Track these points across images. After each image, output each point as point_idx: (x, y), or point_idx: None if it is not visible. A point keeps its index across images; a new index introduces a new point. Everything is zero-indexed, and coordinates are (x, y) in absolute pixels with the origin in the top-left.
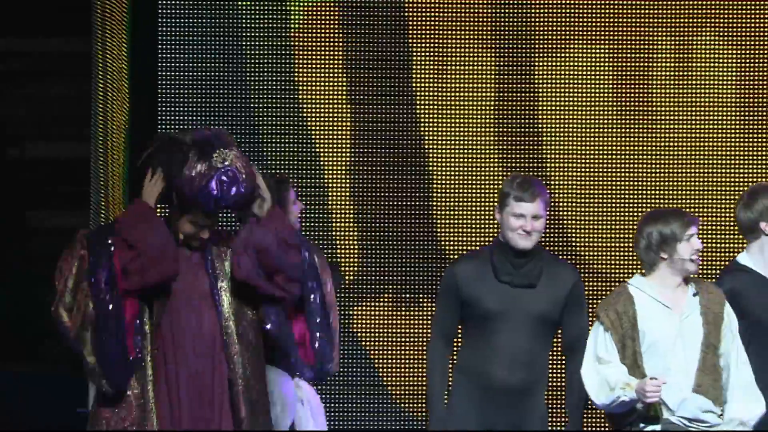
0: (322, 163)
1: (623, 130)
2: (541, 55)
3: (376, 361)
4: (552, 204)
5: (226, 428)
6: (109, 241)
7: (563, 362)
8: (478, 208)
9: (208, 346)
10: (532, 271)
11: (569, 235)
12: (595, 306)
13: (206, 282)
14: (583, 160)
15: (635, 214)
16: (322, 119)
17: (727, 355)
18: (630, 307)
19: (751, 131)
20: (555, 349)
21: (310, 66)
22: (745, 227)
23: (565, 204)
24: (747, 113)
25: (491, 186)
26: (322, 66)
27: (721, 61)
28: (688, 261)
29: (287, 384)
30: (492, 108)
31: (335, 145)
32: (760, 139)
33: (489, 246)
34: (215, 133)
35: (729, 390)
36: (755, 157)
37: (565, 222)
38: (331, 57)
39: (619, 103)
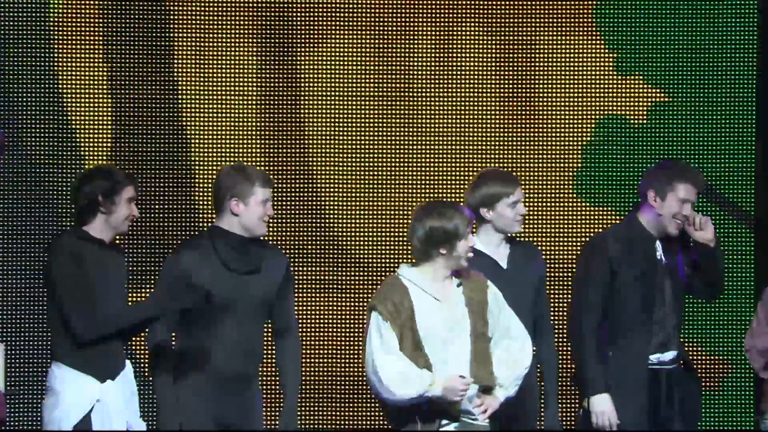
0: (82, 154)
1: (385, 123)
2: (304, 47)
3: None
4: (315, 194)
5: None
6: None
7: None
8: None
9: None
10: (256, 256)
11: (332, 224)
12: (360, 295)
13: None
14: (346, 151)
15: (397, 204)
16: (82, 109)
17: (499, 327)
18: (406, 298)
19: (511, 125)
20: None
21: (70, 55)
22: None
23: (329, 193)
24: (507, 108)
25: None
26: (83, 56)
27: (482, 55)
28: (464, 258)
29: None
30: (255, 96)
31: (96, 138)
32: (520, 133)
33: (206, 234)
34: None
35: (511, 344)
36: (516, 151)
37: (328, 211)
38: (92, 47)
39: (380, 96)
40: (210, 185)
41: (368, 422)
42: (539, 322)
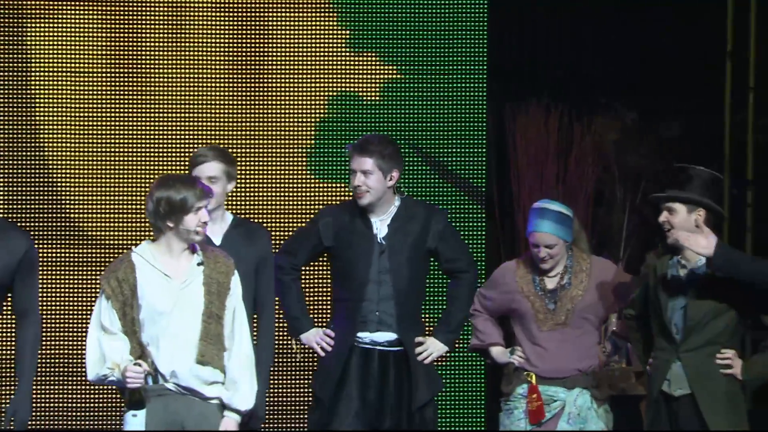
0: None
1: (116, 99)
2: (33, 22)
3: None
4: (48, 174)
5: None
6: None
7: None
8: None
9: None
10: None
11: (68, 204)
12: (95, 272)
13: None
14: (79, 127)
15: (129, 180)
16: None
17: (229, 326)
18: (131, 274)
19: (244, 101)
20: None
21: None
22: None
23: (63, 173)
24: (240, 84)
25: None
26: None
27: (214, 30)
28: (194, 232)
29: None
30: None
31: None
32: (253, 109)
33: None
34: None
35: (231, 361)
36: (249, 127)
37: (62, 191)
38: None
39: (111, 71)
40: None
41: (102, 401)
42: (260, 305)
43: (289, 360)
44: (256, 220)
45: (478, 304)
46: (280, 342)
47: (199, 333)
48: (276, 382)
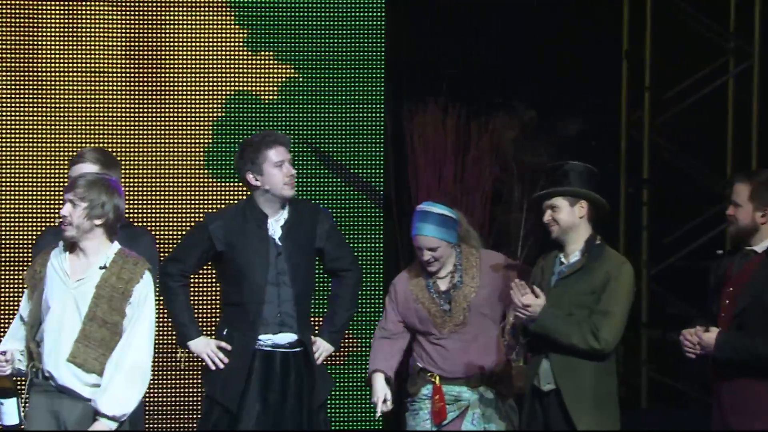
0: None
1: (10, 98)
2: None
3: None
4: None
5: None
6: None
7: None
8: None
9: None
10: None
11: None
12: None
13: None
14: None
15: (28, 182)
16: None
17: (123, 332)
18: (43, 266)
19: (141, 100)
20: None
21: None
22: None
23: None
24: (136, 83)
25: None
26: None
27: (110, 28)
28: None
29: None
30: None
31: None
32: (150, 109)
33: None
34: None
35: (107, 365)
36: (146, 127)
37: None
38: None
39: (5, 73)
40: None
41: None
42: None
43: (170, 361)
44: (152, 221)
45: (378, 328)
46: (160, 343)
47: (77, 334)
48: (158, 382)
